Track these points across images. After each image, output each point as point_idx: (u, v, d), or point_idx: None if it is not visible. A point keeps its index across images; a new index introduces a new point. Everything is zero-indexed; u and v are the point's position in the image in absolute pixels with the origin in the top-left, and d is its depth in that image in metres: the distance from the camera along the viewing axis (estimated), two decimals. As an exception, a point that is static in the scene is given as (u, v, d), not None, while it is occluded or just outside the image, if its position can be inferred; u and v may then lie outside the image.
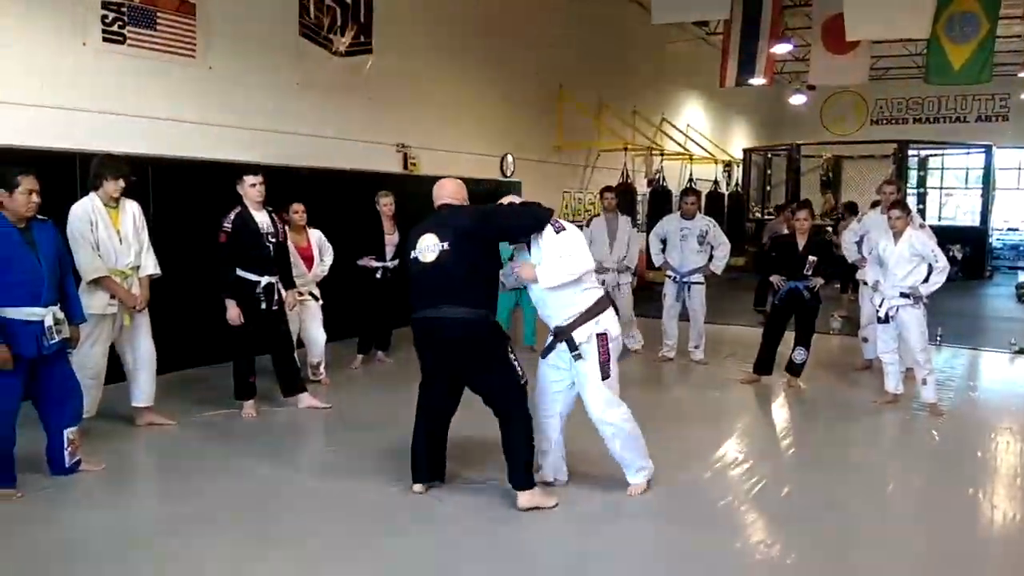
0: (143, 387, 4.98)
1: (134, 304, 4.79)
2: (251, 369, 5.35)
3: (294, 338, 5.96)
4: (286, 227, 5.75)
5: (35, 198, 3.87)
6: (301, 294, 5.94)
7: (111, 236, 4.69)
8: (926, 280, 5.75)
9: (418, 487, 3.97)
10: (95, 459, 4.33)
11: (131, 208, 4.84)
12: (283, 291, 5.45)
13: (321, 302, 6.24)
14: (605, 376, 3.84)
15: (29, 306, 3.84)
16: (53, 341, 3.93)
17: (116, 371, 5.03)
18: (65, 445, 4.12)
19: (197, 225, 6.14)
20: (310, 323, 6.15)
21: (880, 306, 5.87)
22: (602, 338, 3.81)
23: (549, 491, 3.94)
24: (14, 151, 5.28)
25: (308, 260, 6.09)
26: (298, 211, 6.04)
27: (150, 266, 4.95)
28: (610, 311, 3.89)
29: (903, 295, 5.75)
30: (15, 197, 3.80)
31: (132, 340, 4.92)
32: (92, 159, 4.90)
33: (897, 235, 5.79)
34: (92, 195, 4.69)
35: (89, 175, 4.75)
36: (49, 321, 3.90)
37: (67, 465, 4.15)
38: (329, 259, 6.30)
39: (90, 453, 4.34)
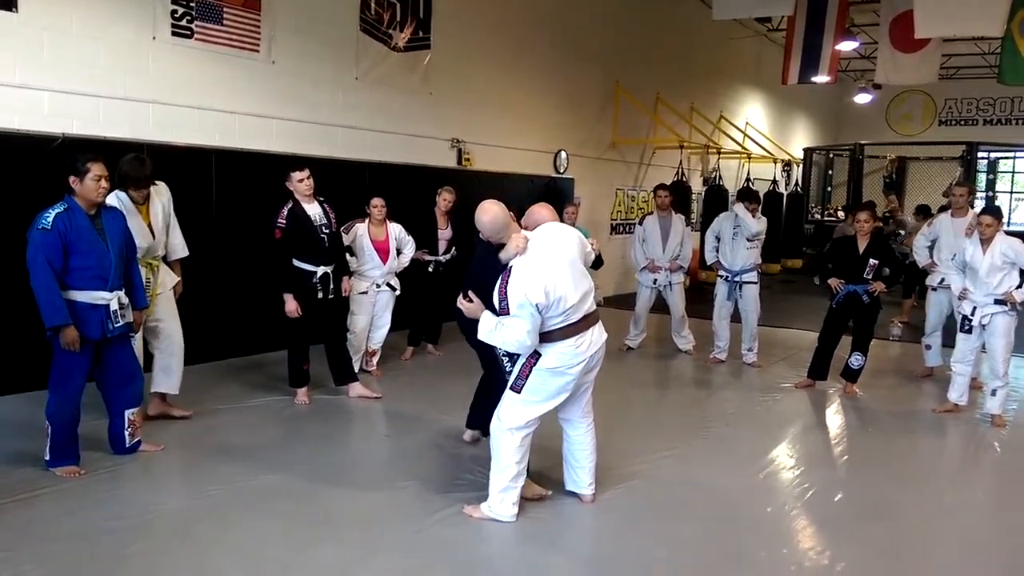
0: (173, 373, 4.85)
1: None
2: (305, 357, 5.46)
3: (368, 325, 6.15)
4: (368, 219, 6.08)
5: (104, 184, 3.98)
6: (391, 287, 6.24)
7: (143, 231, 4.56)
8: (1019, 286, 5.55)
9: (468, 434, 4.16)
10: (154, 440, 4.49)
11: (160, 199, 4.74)
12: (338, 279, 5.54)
13: (398, 292, 6.34)
14: (513, 387, 3.62)
15: (96, 290, 3.98)
16: (118, 325, 4.06)
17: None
18: (126, 426, 4.27)
19: (257, 215, 6.29)
20: (382, 311, 6.28)
21: (972, 314, 5.68)
22: (533, 355, 3.56)
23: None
24: (86, 140, 5.48)
25: (385, 253, 6.17)
26: (377, 206, 6.14)
27: (179, 248, 4.91)
28: (564, 344, 3.53)
29: (997, 302, 5.56)
30: (85, 183, 3.92)
31: (157, 326, 4.77)
32: (157, 150, 4.99)
33: (986, 242, 5.60)
34: (120, 194, 4.52)
35: (116, 174, 4.50)
36: (115, 305, 4.03)
37: (128, 445, 4.30)
38: (409, 252, 6.38)
39: (149, 434, 4.50)
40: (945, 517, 4.10)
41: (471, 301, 3.61)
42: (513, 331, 3.44)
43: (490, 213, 3.54)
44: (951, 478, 4.73)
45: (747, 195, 7.55)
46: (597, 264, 4.05)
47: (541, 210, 3.88)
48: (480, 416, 4.05)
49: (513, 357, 3.68)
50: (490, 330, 3.52)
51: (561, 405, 3.76)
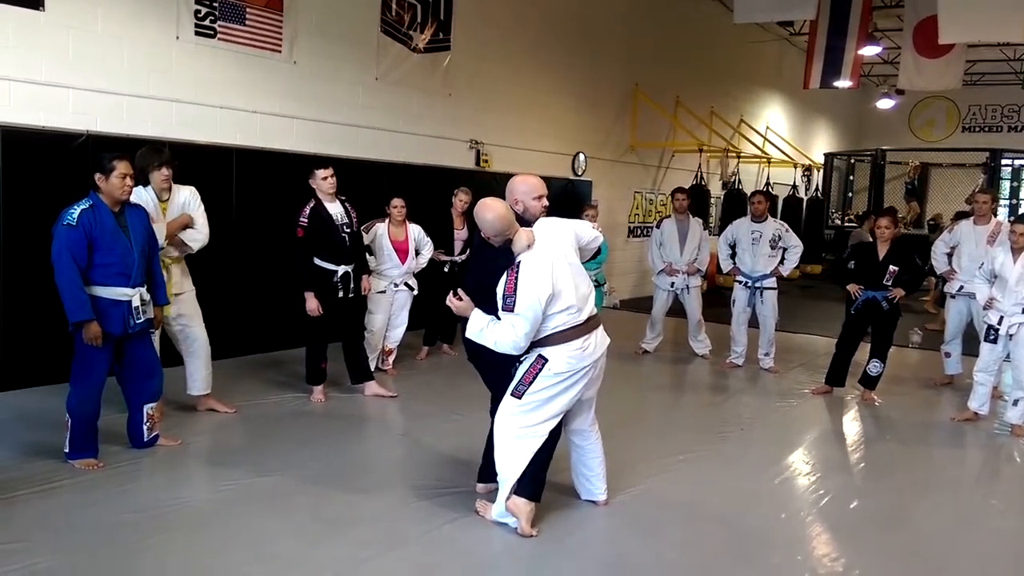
0: (196, 375, 4.99)
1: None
2: (323, 355, 5.50)
3: (385, 324, 6.18)
4: (388, 219, 6.12)
5: (129, 182, 4.04)
6: (409, 287, 6.27)
7: (159, 230, 4.57)
8: None
9: (480, 487, 3.99)
10: (172, 435, 4.54)
11: (179, 199, 4.77)
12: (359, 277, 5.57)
13: (416, 292, 6.37)
14: (515, 393, 3.52)
15: (119, 286, 4.03)
16: (139, 321, 4.11)
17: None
18: (144, 420, 4.32)
19: (277, 214, 6.35)
20: (399, 311, 6.32)
21: (999, 324, 5.60)
22: (539, 360, 3.47)
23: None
24: (110, 138, 5.55)
25: (404, 254, 6.20)
26: (397, 206, 6.17)
27: (195, 238, 4.81)
28: (570, 346, 3.46)
29: None
30: (111, 181, 3.97)
31: (183, 329, 4.91)
32: (180, 148, 5.01)
33: (1017, 251, 5.52)
34: (148, 188, 4.61)
35: (135, 170, 4.48)
36: (136, 302, 4.08)
37: (146, 439, 4.35)
38: (428, 252, 6.41)
39: (167, 429, 4.55)
40: (962, 526, 4.06)
41: (460, 300, 3.55)
42: (509, 330, 3.35)
43: (494, 211, 3.41)
44: (969, 487, 4.68)
45: (754, 193, 7.56)
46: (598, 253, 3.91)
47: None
48: (494, 468, 3.72)
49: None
50: (480, 328, 3.45)
51: (571, 417, 3.73)
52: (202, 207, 4.86)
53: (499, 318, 3.43)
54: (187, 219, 4.78)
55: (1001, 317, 5.57)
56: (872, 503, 4.22)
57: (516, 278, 3.35)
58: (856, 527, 3.90)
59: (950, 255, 6.82)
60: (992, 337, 5.65)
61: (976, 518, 4.17)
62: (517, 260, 3.42)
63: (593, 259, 3.98)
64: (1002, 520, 4.21)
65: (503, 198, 3.63)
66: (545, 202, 3.70)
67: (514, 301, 3.34)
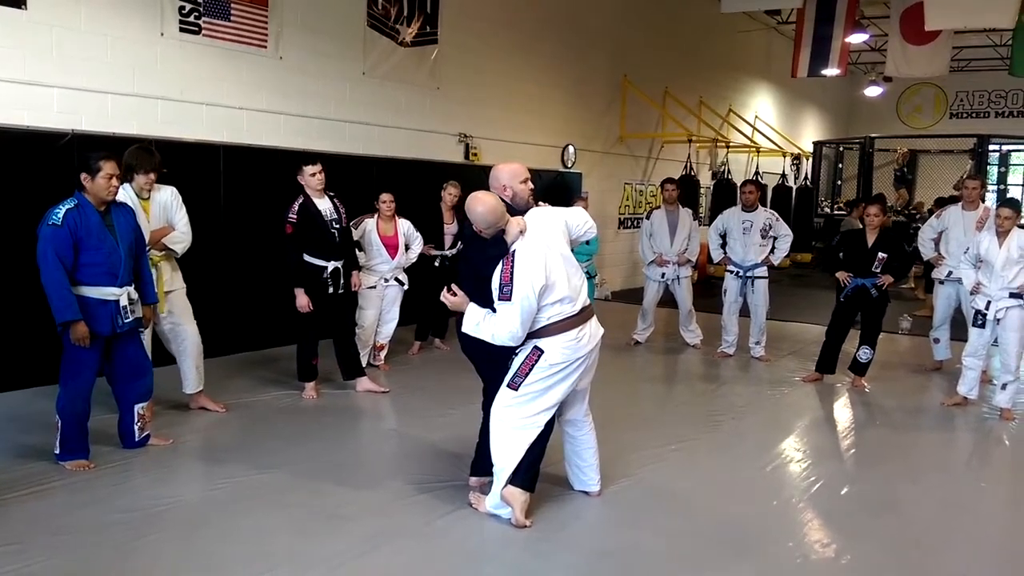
0: (188, 374, 4.98)
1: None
2: (314, 352, 5.49)
3: (376, 319, 6.18)
4: (377, 214, 6.13)
5: (115, 182, 4.02)
6: (399, 282, 6.28)
7: (144, 228, 4.53)
8: None
9: (473, 480, 3.98)
10: (163, 434, 4.53)
11: (160, 198, 4.73)
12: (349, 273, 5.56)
13: (406, 287, 6.37)
14: (511, 384, 3.54)
15: (106, 286, 4.01)
16: (127, 320, 4.10)
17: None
18: (135, 420, 4.31)
19: (266, 211, 6.33)
20: (389, 306, 6.32)
21: (987, 308, 5.63)
22: (535, 352, 3.49)
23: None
24: (95, 136, 5.51)
25: (393, 249, 6.20)
26: (386, 201, 6.16)
27: (177, 240, 4.80)
28: (565, 337, 3.49)
29: (1012, 295, 5.51)
30: (97, 181, 3.95)
31: (174, 328, 4.89)
32: (166, 146, 4.98)
33: (1002, 235, 5.53)
34: (127, 186, 4.54)
35: (122, 166, 4.42)
36: (124, 301, 4.06)
37: (137, 439, 4.34)
38: (417, 247, 6.40)
39: (158, 428, 4.54)
40: (952, 511, 4.09)
41: (455, 295, 3.56)
42: (506, 321, 3.38)
43: (485, 203, 3.43)
44: (959, 472, 4.72)
45: (745, 182, 7.56)
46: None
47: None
48: (486, 462, 3.73)
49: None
50: (477, 323, 3.47)
51: (565, 408, 3.75)
52: (183, 208, 4.84)
53: (494, 310, 3.44)
54: (169, 230, 4.77)
55: (988, 302, 5.60)
56: (863, 489, 4.25)
57: (512, 267, 3.38)
58: (848, 513, 3.93)
59: (936, 241, 6.85)
60: (980, 322, 5.68)
61: (966, 502, 4.20)
62: (512, 249, 3.44)
63: (582, 246, 3.98)
64: (992, 503, 4.25)
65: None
66: (531, 184, 3.73)
67: (511, 290, 3.36)
